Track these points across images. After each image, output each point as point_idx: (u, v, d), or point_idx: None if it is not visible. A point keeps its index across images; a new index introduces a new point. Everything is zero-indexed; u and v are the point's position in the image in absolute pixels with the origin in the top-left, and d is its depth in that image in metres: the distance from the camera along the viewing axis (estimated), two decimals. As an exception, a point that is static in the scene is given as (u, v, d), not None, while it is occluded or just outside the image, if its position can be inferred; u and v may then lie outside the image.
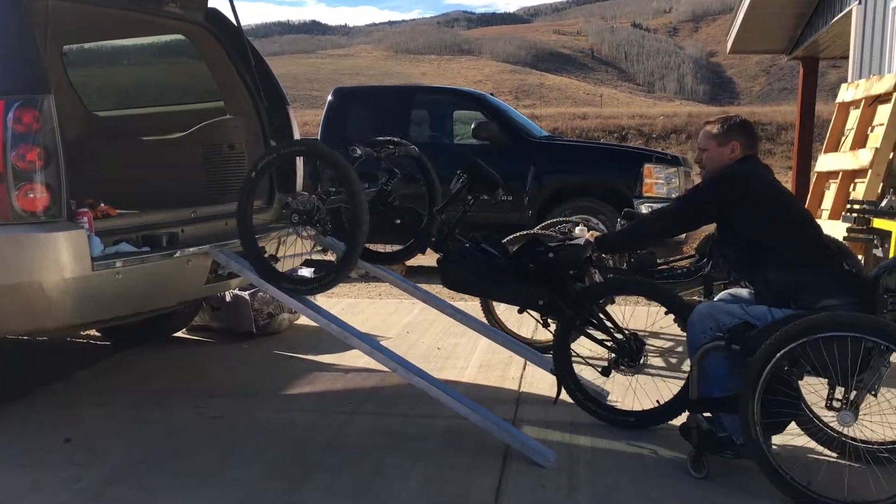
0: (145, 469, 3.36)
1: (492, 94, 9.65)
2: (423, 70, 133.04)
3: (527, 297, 3.92)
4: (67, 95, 5.49)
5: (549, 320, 4.02)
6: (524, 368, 4.76)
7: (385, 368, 3.83)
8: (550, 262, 3.86)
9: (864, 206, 5.89)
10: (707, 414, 3.30)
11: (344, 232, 3.99)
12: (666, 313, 3.73)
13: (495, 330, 4.89)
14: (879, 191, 6.15)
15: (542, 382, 4.49)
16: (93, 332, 5.59)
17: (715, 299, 3.59)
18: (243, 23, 4.91)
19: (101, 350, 5.35)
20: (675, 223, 3.67)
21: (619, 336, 3.83)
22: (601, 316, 3.89)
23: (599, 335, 3.89)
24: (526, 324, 5.14)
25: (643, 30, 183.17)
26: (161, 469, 3.36)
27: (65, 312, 3.58)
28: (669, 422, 3.70)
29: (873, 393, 3.05)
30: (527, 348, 4.60)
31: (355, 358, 4.91)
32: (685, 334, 3.51)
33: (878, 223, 5.61)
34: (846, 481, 3.02)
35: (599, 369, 3.89)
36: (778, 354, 2.94)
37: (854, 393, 2.99)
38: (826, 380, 3.05)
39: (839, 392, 3.04)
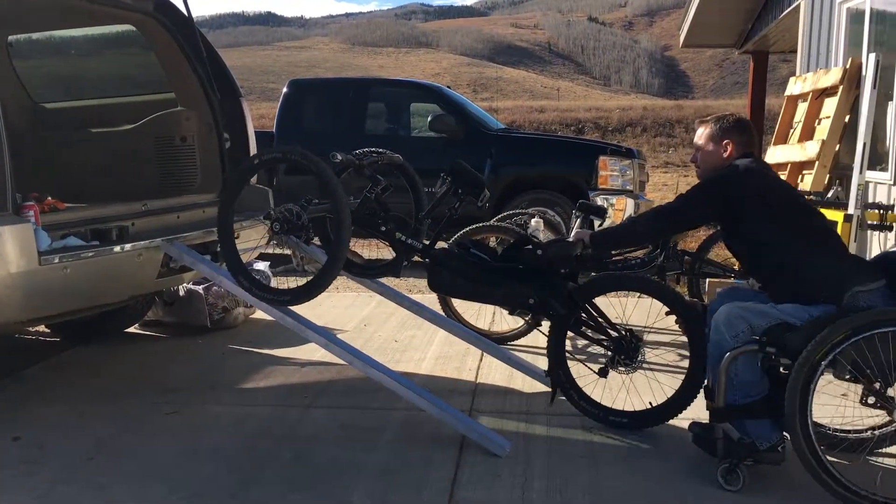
0: (96, 466, 3.31)
1: (449, 87, 9.64)
2: (380, 63, 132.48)
3: (517, 297, 3.83)
4: (13, 86, 5.36)
5: (541, 320, 3.94)
6: (481, 360, 4.78)
7: (341, 361, 3.82)
8: (539, 260, 3.82)
9: (812, 196, 6.02)
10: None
11: (327, 241, 3.92)
12: (667, 313, 3.66)
13: (452, 322, 4.90)
14: (826, 182, 6.30)
15: (498, 373, 4.52)
16: (42, 328, 5.48)
17: (716, 296, 3.43)
18: (196, 13, 4.84)
19: (50, 346, 5.24)
20: (675, 222, 3.51)
21: (614, 334, 3.76)
22: (595, 314, 3.82)
23: (594, 334, 3.81)
24: (483, 315, 5.16)
25: (599, 24, 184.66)
26: (112, 466, 3.31)
27: (11, 308, 3.50)
28: (670, 420, 3.67)
29: None
30: (484, 340, 4.62)
31: (311, 351, 4.89)
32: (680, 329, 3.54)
33: (825, 213, 5.73)
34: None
35: (597, 370, 3.78)
36: (834, 353, 2.84)
37: None
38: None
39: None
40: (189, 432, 3.69)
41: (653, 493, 3.06)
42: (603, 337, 3.78)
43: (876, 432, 3.28)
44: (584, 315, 3.80)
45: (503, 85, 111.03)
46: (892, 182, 5.62)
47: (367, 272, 4.56)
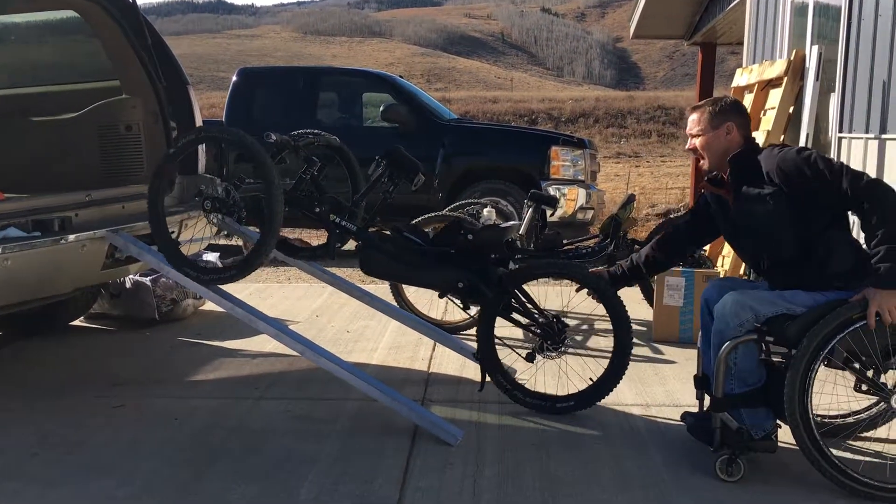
0: (39, 462, 3.24)
1: (402, 77, 9.61)
2: (333, 52, 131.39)
3: (446, 281, 3.87)
4: (-51, 73, 5.19)
5: (470, 304, 3.98)
6: (433, 349, 4.79)
7: (293, 352, 3.79)
8: (470, 244, 3.85)
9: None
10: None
11: (260, 220, 3.90)
12: (577, 290, 3.73)
13: (405, 312, 4.90)
14: (771, 172, 6.42)
15: (450, 363, 4.53)
16: (-17, 323, 5.33)
17: (710, 285, 3.40)
18: (141, 0, 4.74)
19: (-8, 341, 5.11)
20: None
21: (542, 320, 3.82)
22: (524, 300, 3.87)
23: (523, 319, 3.87)
24: (436, 306, 5.17)
25: (552, 15, 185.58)
26: (57, 461, 3.24)
27: (-50, 301, 3.40)
28: (597, 403, 3.74)
29: None
30: (436, 330, 4.63)
31: (263, 343, 4.85)
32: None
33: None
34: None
35: (524, 354, 3.84)
36: (833, 342, 2.85)
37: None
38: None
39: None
40: (136, 426, 3.63)
41: (602, 478, 3.10)
42: (531, 323, 3.84)
43: (863, 415, 3.34)
44: (512, 300, 3.84)
45: (457, 75, 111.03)
46: (834, 172, 5.77)
47: (302, 254, 4.56)
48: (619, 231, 5.01)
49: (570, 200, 7.97)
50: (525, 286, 3.89)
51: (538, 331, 3.83)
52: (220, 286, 3.81)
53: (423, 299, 5.11)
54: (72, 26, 5.17)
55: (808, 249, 3.03)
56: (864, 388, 3.08)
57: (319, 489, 3.00)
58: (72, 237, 3.81)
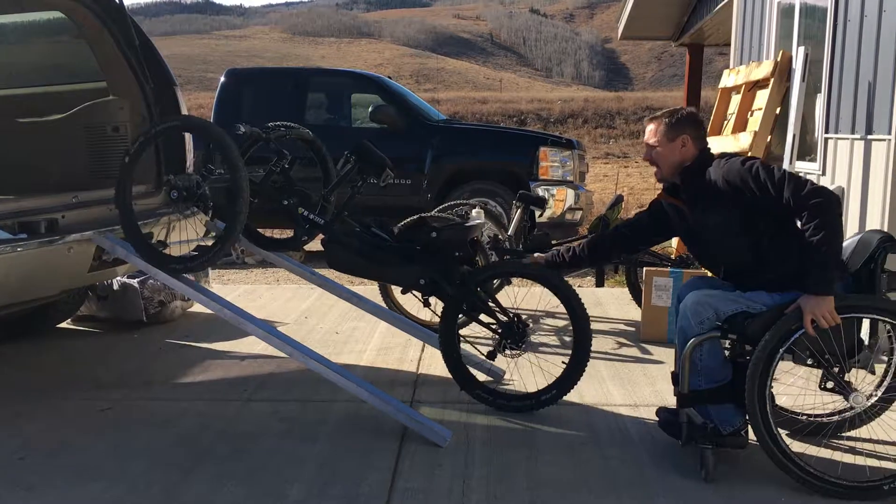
0: (25, 466, 3.22)
1: (391, 78, 9.60)
2: (322, 53, 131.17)
3: (408, 277, 3.92)
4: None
5: (431, 301, 4.02)
6: (422, 351, 4.79)
7: (282, 354, 3.78)
8: (434, 242, 3.88)
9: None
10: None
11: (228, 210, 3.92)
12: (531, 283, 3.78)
13: (394, 313, 4.89)
14: (759, 172, 6.45)
15: (439, 364, 4.49)
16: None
17: (685, 284, 3.45)
18: (129, 0, 4.72)
19: (-22, 344, 5.07)
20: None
21: (503, 319, 3.87)
22: (486, 299, 3.91)
23: (485, 318, 3.90)
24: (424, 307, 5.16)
25: (541, 15, 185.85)
26: (43, 465, 3.23)
27: (-65, 304, 3.38)
28: (560, 400, 3.78)
29: (871, 371, 3.15)
30: (425, 331, 4.63)
31: (251, 344, 4.83)
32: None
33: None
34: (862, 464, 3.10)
35: (485, 353, 3.89)
36: (791, 340, 2.92)
37: (854, 373, 3.07)
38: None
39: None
40: (123, 429, 3.61)
41: (591, 479, 3.10)
42: (492, 321, 3.87)
43: (836, 417, 3.37)
44: (474, 299, 3.88)
45: (445, 76, 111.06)
46: (820, 172, 5.79)
47: (269, 245, 4.59)
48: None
49: (559, 201, 7.99)
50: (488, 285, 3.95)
51: (499, 329, 3.86)
52: (208, 287, 3.80)
53: (413, 301, 5.09)
54: (58, 27, 5.15)
55: (761, 255, 3.10)
56: (829, 385, 3.13)
57: (308, 491, 2.99)
58: (59, 239, 3.79)
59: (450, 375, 3.92)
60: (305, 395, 4.06)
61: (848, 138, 5.38)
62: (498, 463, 3.24)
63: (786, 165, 5.56)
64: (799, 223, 2.99)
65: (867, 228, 5.07)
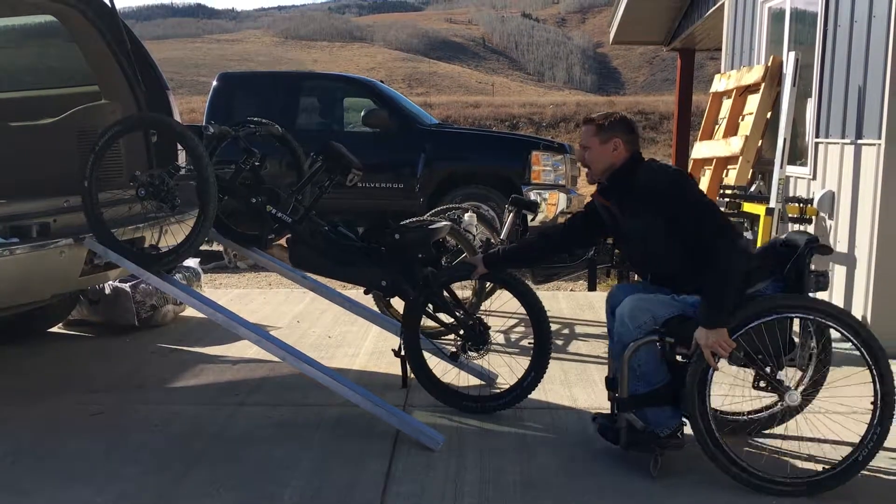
0: (17, 470, 3.21)
1: (383, 82, 9.61)
2: (314, 57, 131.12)
3: (370, 278, 3.96)
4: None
5: (390, 301, 4.07)
6: (415, 354, 4.78)
7: (274, 358, 3.78)
8: (397, 243, 3.91)
9: (735, 191, 6.20)
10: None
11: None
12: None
13: (386, 317, 4.89)
14: (749, 177, 6.48)
15: (432, 368, 4.52)
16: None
17: (614, 290, 3.50)
18: (121, 4, 4.73)
19: (-32, 348, 5.05)
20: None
21: (465, 321, 3.90)
22: (448, 300, 3.94)
23: (446, 319, 3.94)
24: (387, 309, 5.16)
25: (532, 20, 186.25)
26: (34, 469, 3.21)
27: (-76, 308, 3.36)
28: (519, 403, 3.83)
29: (803, 369, 3.20)
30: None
31: (244, 349, 4.83)
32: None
33: (748, 207, 5.92)
34: (788, 460, 3.14)
35: (448, 353, 3.94)
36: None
37: (788, 371, 3.14)
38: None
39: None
40: (115, 433, 3.60)
41: (582, 483, 3.11)
42: (454, 322, 3.91)
43: (764, 413, 3.44)
44: (436, 301, 3.91)
45: (438, 80, 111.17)
46: (811, 177, 5.83)
47: (237, 240, 4.61)
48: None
49: (551, 205, 8.01)
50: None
51: (461, 331, 3.89)
52: (200, 291, 3.80)
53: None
54: (51, 31, 5.14)
55: (685, 261, 3.14)
56: (762, 384, 3.16)
57: (300, 495, 2.99)
58: (50, 243, 3.78)
59: (442, 379, 3.93)
60: (298, 399, 4.05)
61: (838, 143, 5.42)
62: (490, 467, 3.25)
63: (776, 170, 5.59)
64: (702, 251, 3.04)
65: (858, 232, 5.10)
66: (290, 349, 3.70)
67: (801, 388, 3.23)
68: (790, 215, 5.58)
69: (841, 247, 5.29)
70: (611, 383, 3.33)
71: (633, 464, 3.24)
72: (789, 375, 3.22)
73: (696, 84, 13.31)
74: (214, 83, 8.80)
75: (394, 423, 3.53)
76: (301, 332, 5.38)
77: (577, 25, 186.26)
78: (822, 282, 3.14)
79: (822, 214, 5.58)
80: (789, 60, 5.79)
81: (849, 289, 5.19)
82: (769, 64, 6.43)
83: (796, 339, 3.20)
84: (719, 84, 7.50)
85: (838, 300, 5.30)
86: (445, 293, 3.97)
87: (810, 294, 3.11)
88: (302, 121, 8.67)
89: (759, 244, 5.29)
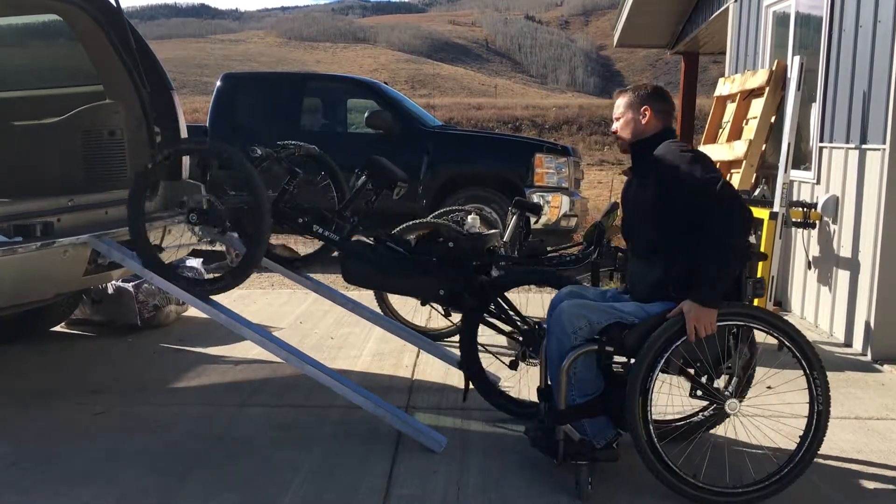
0: (18, 471, 3.20)
1: (386, 83, 9.61)
2: (317, 57, 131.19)
3: (428, 289, 3.88)
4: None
5: (452, 312, 3.99)
6: (417, 356, 4.78)
7: (277, 359, 3.78)
8: (451, 252, 3.86)
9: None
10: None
11: (242, 231, 3.97)
12: None
13: (389, 319, 4.89)
14: (753, 181, 6.48)
15: (434, 370, 4.53)
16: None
17: (561, 294, 3.37)
18: (125, 4, 4.72)
19: (-29, 347, 5.05)
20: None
21: (524, 326, 3.81)
22: (506, 307, 3.86)
23: (505, 327, 3.85)
24: (420, 312, 5.17)
25: (536, 22, 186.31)
26: (35, 469, 3.21)
27: (-73, 307, 3.36)
28: None
29: (738, 375, 3.18)
30: (420, 336, 4.62)
31: (246, 349, 4.82)
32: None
33: (752, 211, 5.91)
34: (727, 469, 3.10)
35: (507, 362, 3.80)
36: (670, 350, 2.93)
37: (726, 378, 3.14)
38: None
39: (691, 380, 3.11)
40: (117, 434, 3.59)
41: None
42: (513, 330, 3.84)
43: (695, 418, 3.43)
44: (494, 308, 3.84)
45: (441, 82, 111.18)
46: (815, 181, 5.82)
47: (290, 264, 4.59)
48: (603, 238, 5.02)
49: (554, 208, 8.00)
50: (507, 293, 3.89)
51: (520, 338, 3.81)
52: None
53: (408, 306, 5.10)
54: (54, 30, 5.14)
55: (661, 245, 3.11)
56: (699, 393, 3.14)
57: (302, 497, 2.98)
58: (54, 242, 3.78)
59: (445, 382, 3.92)
60: (300, 400, 4.05)
61: (843, 147, 5.41)
62: (493, 469, 3.24)
63: (780, 174, 5.58)
64: (705, 221, 2.95)
65: (861, 237, 5.09)
66: (292, 350, 3.70)
67: (730, 390, 3.18)
68: (794, 220, 5.57)
69: (844, 252, 5.28)
70: (543, 393, 3.28)
71: (634, 463, 3.23)
72: (726, 383, 3.21)
73: (700, 88, 13.30)
74: (218, 83, 8.80)
75: (396, 424, 3.52)
76: (303, 333, 5.38)
77: (581, 28, 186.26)
78: (759, 289, 3.13)
79: (825, 219, 5.57)
80: (794, 65, 5.78)
81: (852, 294, 5.18)
82: (773, 68, 6.42)
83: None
84: (723, 88, 7.49)
85: (841, 305, 5.29)
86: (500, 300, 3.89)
87: (747, 301, 3.11)
88: (305, 122, 8.67)
89: (762, 249, 5.28)
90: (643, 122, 3.25)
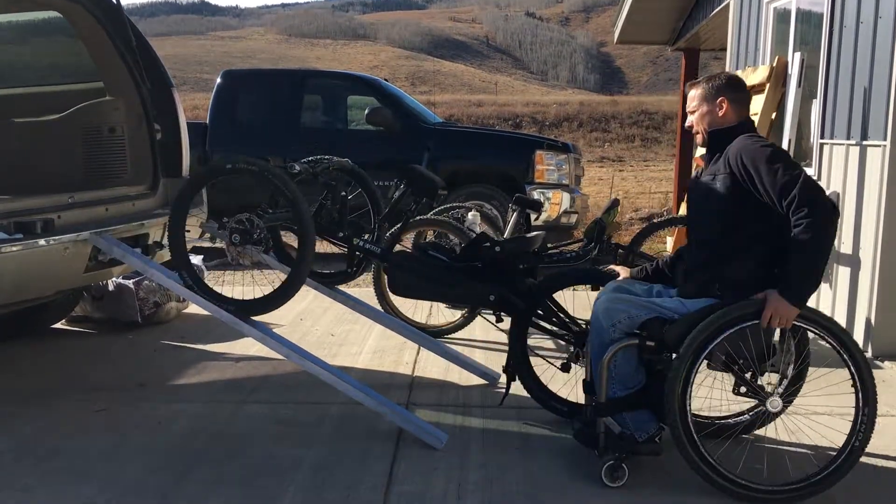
0: (20, 468, 3.20)
1: (387, 80, 9.60)
2: (318, 54, 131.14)
3: (477, 295, 3.85)
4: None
5: (502, 316, 3.91)
6: (418, 353, 4.78)
7: (278, 356, 3.78)
8: (498, 256, 3.83)
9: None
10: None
11: (279, 248, 4.07)
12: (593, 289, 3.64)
13: (389, 316, 4.90)
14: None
15: (435, 367, 4.53)
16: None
17: (607, 289, 3.34)
18: (125, 0, 4.71)
19: (-29, 344, 5.05)
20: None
21: (575, 328, 3.72)
22: (555, 308, 3.78)
23: (555, 329, 3.78)
24: (420, 309, 5.17)
25: (536, 19, 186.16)
26: (37, 466, 3.21)
27: (-72, 304, 3.36)
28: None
29: (784, 373, 3.16)
30: (420, 333, 4.63)
31: (247, 346, 4.83)
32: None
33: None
34: (765, 466, 3.10)
35: (559, 365, 3.74)
36: (712, 345, 2.90)
37: (770, 376, 3.11)
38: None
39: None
40: (117, 431, 3.60)
41: (587, 483, 3.10)
42: (563, 332, 3.76)
43: (741, 418, 3.41)
44: (543, 310, 3.77)
45: (441, 78, 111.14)
46: (815, 177, 5.82)
47: (328, 279, 4.57)
48: (603, 235, 5.03)
49: (555, 204, 8.00)
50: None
51: (572, 339, 3.73)
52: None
53: (408, 303, 5.10)
54: (54, 26, 5.13)
55: (725, 243, 3.05)
56: (742, 390, 3.12)
57: (303, 494, 2.99)
58: (54, 239, 3.78)
59: (445, 378, 3.92)
60: (301, 397, 4.05)
61: (843, 144, 5.40)
62: (494, 465, 3.24)
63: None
64: (789, 215, 2.88)
65: (862, 234, 5.09)
66: (293, 347, 3.70)
67: (779, 391, 3.14)
68: (795, 216, 5.56)
69: (845, 248, 5.28)
70: (588, 387, 3.29)
71: (637, 464, 3.24)
72: (771, 380, 3.18)
73: (701, 84, 13.25)
74: (218, 80, 8.79)
75: (397, 421, 3.52)
76: (304, 329, 5.38)
77: (581, 24, 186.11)
78: None
79: (826, 215, 5.55)
80: (794, 61, 5.78)
81: (853, 290, 5.18)
82: (774, 64, 6.42)
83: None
84: (724, 84, 7.47)
85: (842, 302, 5.29)
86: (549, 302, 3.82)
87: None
88: (306, 118, 8.66)
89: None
90: (720, 113, 3.15)
